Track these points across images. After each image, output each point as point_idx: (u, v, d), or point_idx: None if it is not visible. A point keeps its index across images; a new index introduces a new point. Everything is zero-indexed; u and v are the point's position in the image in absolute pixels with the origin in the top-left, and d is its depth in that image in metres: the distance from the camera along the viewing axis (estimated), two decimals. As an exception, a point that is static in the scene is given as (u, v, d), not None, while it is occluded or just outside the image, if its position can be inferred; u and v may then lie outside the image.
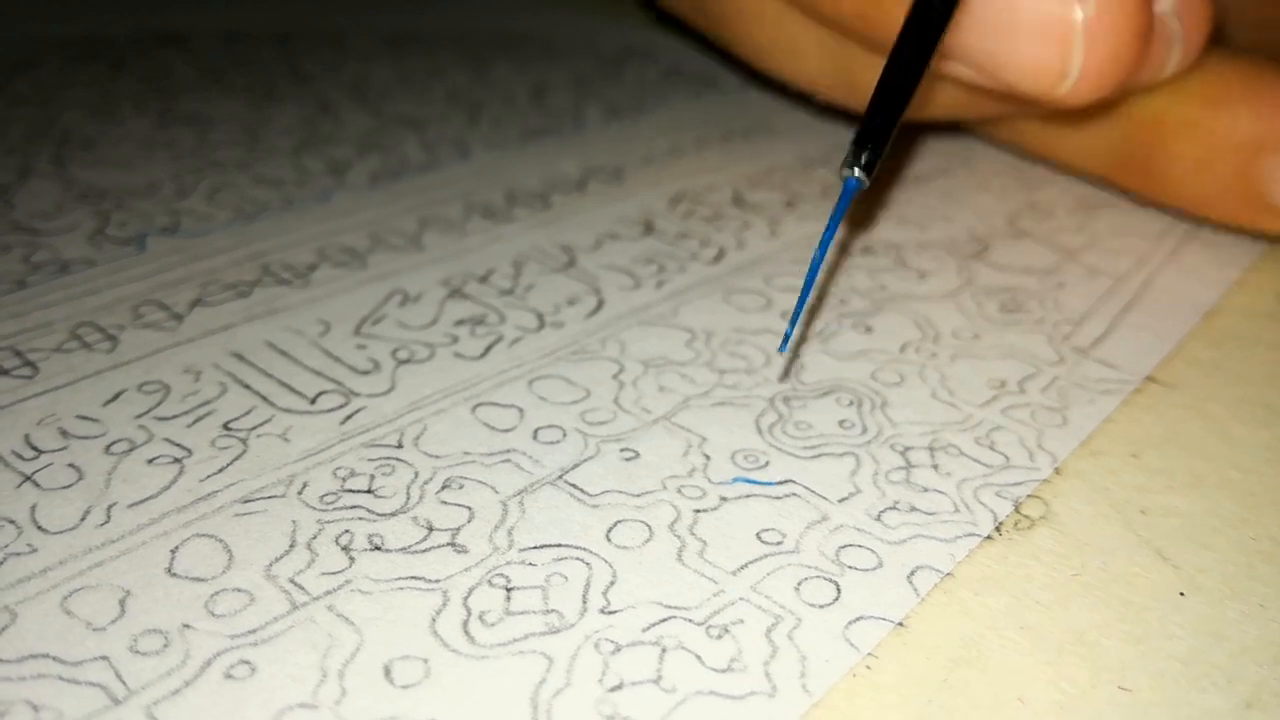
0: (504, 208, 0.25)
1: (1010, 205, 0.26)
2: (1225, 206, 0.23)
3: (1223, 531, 0.16)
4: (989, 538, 0.15)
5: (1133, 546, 0.15)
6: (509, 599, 0.14)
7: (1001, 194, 0.27)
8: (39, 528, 0.15)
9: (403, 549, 0.15)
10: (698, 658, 0.13)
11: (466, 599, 0.14)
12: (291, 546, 0.15)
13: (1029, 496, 0.16)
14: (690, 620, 0.14)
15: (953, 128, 0.29)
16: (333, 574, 0.14)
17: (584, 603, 0.14)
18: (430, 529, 0.15)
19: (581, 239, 0.24)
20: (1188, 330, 0.21)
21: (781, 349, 0.16)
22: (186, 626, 0.14)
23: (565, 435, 0.17)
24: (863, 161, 0.17)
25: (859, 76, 0.24)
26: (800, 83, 0.26)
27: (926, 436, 0.18)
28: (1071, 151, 0.26)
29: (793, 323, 0.17)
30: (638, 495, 0.16)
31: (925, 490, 0.16)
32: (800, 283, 0.22)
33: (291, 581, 0.14)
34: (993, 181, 0.27)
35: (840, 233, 0.24)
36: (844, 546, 0.15)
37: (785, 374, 0.17)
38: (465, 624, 0.14)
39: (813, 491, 0.16)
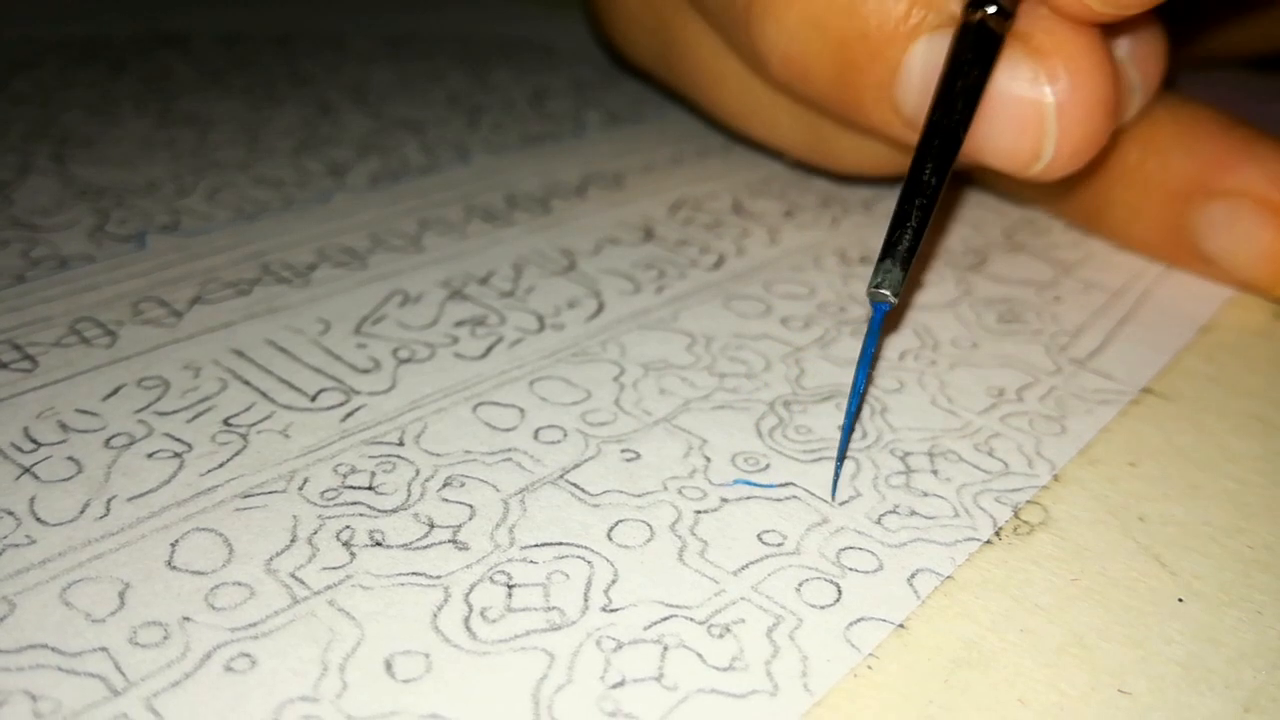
0: (504, 211, 0.25)
1: (1007, 220, 0.26)
2: (1162, 251, 0.24)
3: (1219, 540, 0.16)
4: (989, 542, 0.16)
5: (1131, 553, 0.15)
6: (510, 596, 0.14)
7: (998, 209, 0.27)
8: (38, 520, 0.15)
9: (404, 545, 0.15)
10: (699, 656, 0.13)
11: (468, 595, 0.14)
12: (292, 541, 0.15)
13: (1028, 502, 0.16)
14: (692, 619, 0.14)
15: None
16: (334, 569, 0.14)
17: (585, 600, 0.14)
18: (431, 526, 0.15)
19: (581, 243, 0.24)
20: (1183, 344, 0.21)
21: (833, 494, 0.16)
22: (186, 619, 0.14)
23: (566, 435, 0.17)
24: (894, 281, 0.16)
25: (829, 141, 0.24)
26: (771, 144, 0.26)
27: (926, 442, 0.18)
28: (1022, 191, 0.26)
29: (839, 462, 0.17)
30: (639, 495, 0.16)
31: (925, 495, 0.16)
32: (797, 288, 0.22)
33: (292, 576, 0.14)
34: (988, 195, 0.28)
35: (836, 239, 0.24)
36: (845, 549, 0.15)
37: (834, 494, 0.16)
38: (467, 620, 0.14)
39: (813, 494, 0.16)
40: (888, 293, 0.16)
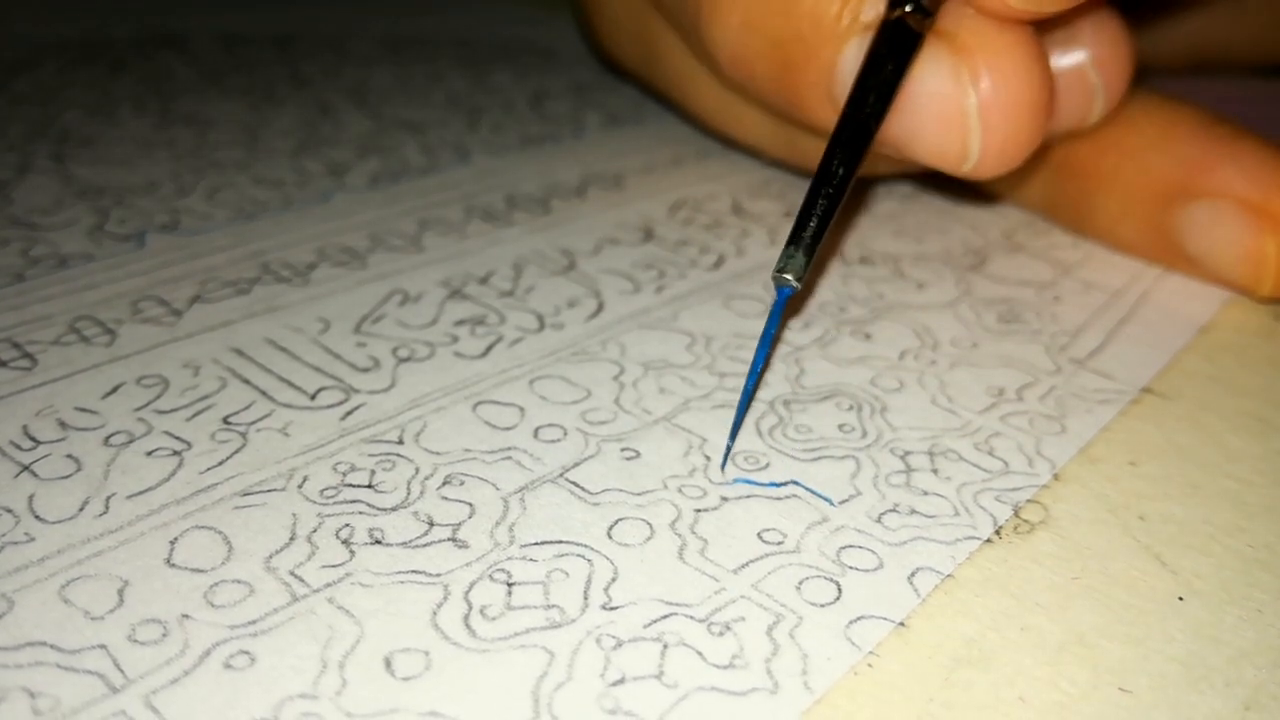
0: (504, 211, 0.25)
1: (1006, 220, 0.26)
2: (1149, 253, 0.24)
3: (1220, 539, 0.16)
4: (989, 541, 0.16)
5: (1132, 551, 0.15)
6: (510, 594, 0.14)
7: (997, 209, 0.27)
8: (37, 517, 0.15)
9: (403, 543, 0.15)
10: (699, 654, 0.13)
11: (467, 593, 0.14)
12: (291, 539, 0.15)
13: (1028, 501, 0.16)
14: (692, 617, 0.14)
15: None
16: (333, 567, 0.14)
17: (585, 598, 0.14)
18: (431, 524, 0.15)
19: (581, 244, 0.24)
20: (1183, 344, 0.21)
21: (723, 466, 0.17)
22: (185, 616, 0.14)
23: (566, 434, 0.17)
24: (797, 266, 0.17)
25: (797, 141, 0.25)
26: (746, 145, 0.27)
27: (926, 441, 0.18)
28: (1010, 194, 0.26)
29: (732, 436, 0.17)
30: (639, 494, 0.16)
31: (925, 494, 0.16)
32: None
33: (291, 574, 0.14)
34: (985, 201, 0.28)
35: (838, 242, 0.25)
36: (845, 547, 0.15)
37: (724, 466, 0.17)
38: (466, 617, 0.14)
39: (813, 493, 0.16)
40: (790, 277, 0.17)
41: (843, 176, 0.18)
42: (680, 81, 0.26)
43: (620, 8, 0.27)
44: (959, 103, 0.19)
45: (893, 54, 0.19)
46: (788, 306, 0.18)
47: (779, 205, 0.26)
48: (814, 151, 0.24)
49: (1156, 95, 0.23)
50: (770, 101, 0.22)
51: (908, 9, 0.19)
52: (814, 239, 0.17)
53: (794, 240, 0.17)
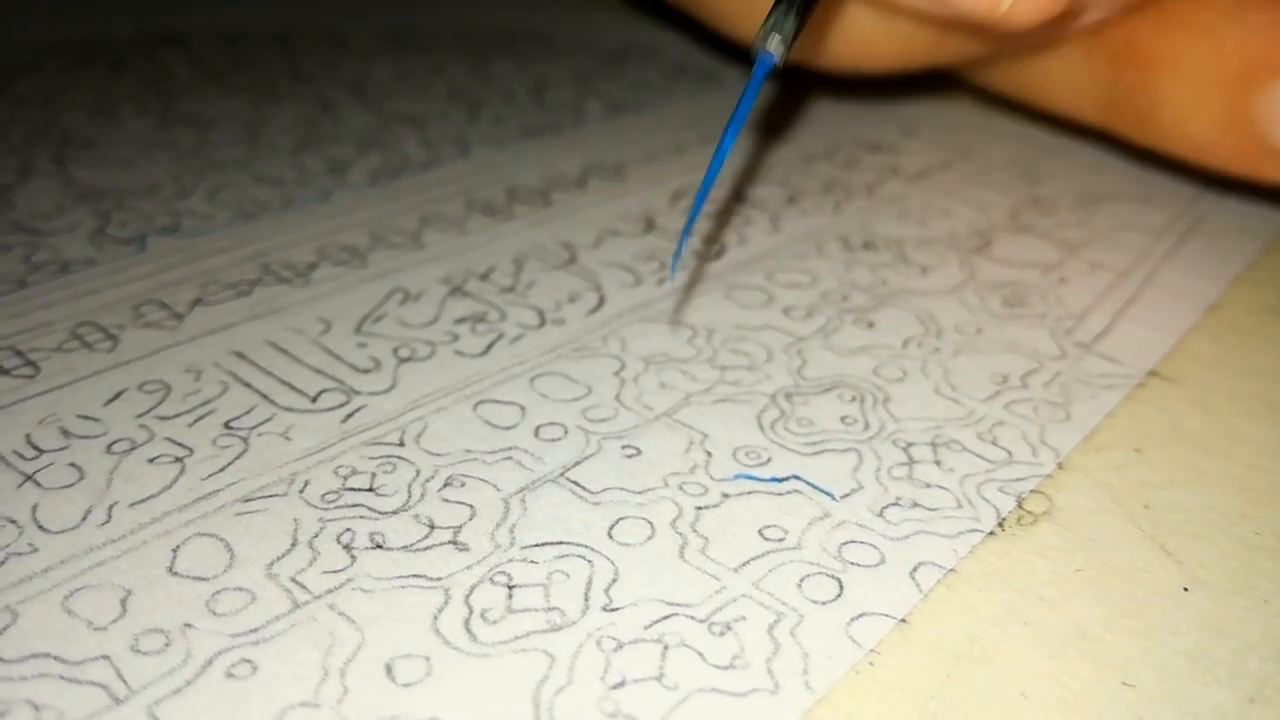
0: (504, 205, 0.25)
1: (1011, 200, 0.26)
2: (1226, 153, 0.21)
3: (1226, 527, 0.16)
4: (992, 533, 0.15)
5: (1136, 542, 0.15)
6: (511, 597, 0.14)
7: (1002, 188, 0.27)
8: (40, 527, 0.15)
9: (404, 547, 0.15)
10: (700, 655, 0.13)
11: (468, 597, 0.14)
12: (293, 545, 0.15)
13: (1032, 492, 0.16)
14: (692, 617, 0.14)
15: (951, 104, 0.29)
16: (334, 572, 0.14)
17: (586, 600, 0.14)
18: (432, 527, 0.15)
19: (582, 236, 0.24)
20: (1190, 325, 0.21)
21: (671, 275, 0.15)
22: (188, 625, 0.14)
23: (567, 432, 0.17)
24: (783, 31, 0.15)
25: (838, 29, 0.23)
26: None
27: (929, 432, 0.18)
28: (1061, 97, 0.24)
29: (685, 231, 0.15)
30: (639, 492, 0.16)
31: (928, 486, 0.16)
32: (799, 276, 0.22)
33: (293, 580, 0.14)
34: (993, 176, 0.27)
35: (839, 225, 0.24)
36: (846, 543, 0.15)
37: (673, 273, 0.15)
38: (467, 622, 0.14)
39: (815, 488, 0.16)
40: (777, 38, 0.15)
41: None
42: None
43: None
44: None
45: None
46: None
47: (781, 190, 0.26)
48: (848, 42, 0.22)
49: None
50: None
51: None
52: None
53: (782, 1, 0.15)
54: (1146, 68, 0.21)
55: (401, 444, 0.17)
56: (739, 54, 0.29)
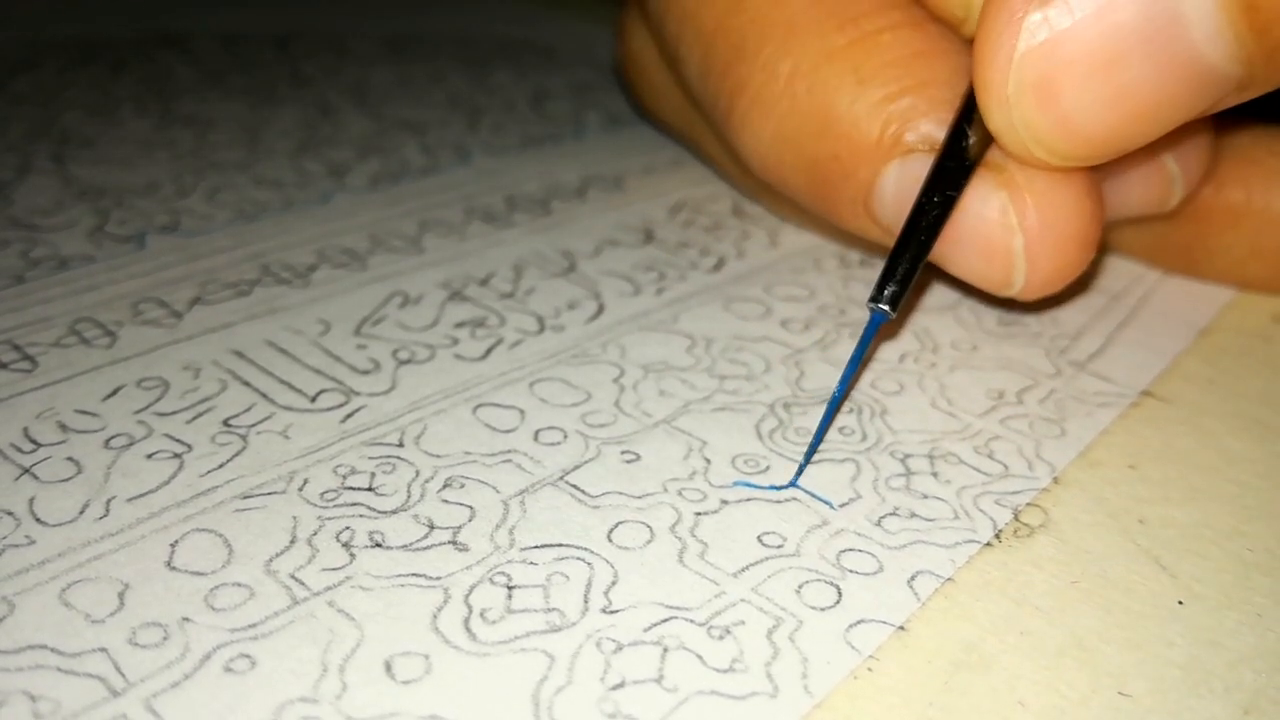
0: (504, 212, 0.25)
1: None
2: (1277, 285, 0.23)
3: (1219, 543, 0.16)
4: (989, 544, 0.16)
5: (1131, 555, 0.15)
6: (510, 597, 0.14)
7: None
8: (38, 520, 0.15)
9: (404, 546, 0.15)
10: (699, 658, 0.13)
11: (468, 596, 0.14)
12: (292, 542, 0.15)
13: (1028, 505, 0.16)
14: (692, 621, 0.14)
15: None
16: (333, 570, 0.14)
17: (585, 602, 0.14)
18: (431, 527, 0.15)
19: (582, 245, 0.24)
20: (1183, 347, 0.21)
21: (794, 483, 0.17)
22: (186, 620, 0.14)
23: (566, 437, 0.17)
24: (888, 295, 0.17)
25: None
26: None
27: (926, 444, 0.18)
28: (1111, 238, 0.25)
29: (808, 455, 0.17)
30: (639, 497, 0.16)
31: (925, 497, 0.16)
32: (797, 290, 0.22)
33: (292, 577, 0.14)
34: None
35: (839, 245, 0.25)
36: (845, 550, 0.15)
37: (795, 482, 0.17)
38: (466, 621, 0.14)
39: (814, 496, 0.16)
40: (884, 306, 0.17)
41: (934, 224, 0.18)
42: (721, 161, 0.26)
43: (662, 79, 0.26)
44: (1005, 241, 0.18)
45: (945, 183, 0.18)
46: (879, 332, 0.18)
47: (779, 207, 0.26)
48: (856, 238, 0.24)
49: (1253, 123, 0.22)
50: (804, 206, 0.22)
51: (969, 141, 0.18)
52: (908, 274, 0.17)
53: (890, 272, 0.17)
54: (1202, 222, 0.23)
55: (401, 445, 0.17)
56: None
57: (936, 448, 0.18)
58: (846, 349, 0.20)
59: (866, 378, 0.19)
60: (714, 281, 0.23)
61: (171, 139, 0.28)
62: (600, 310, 0.21)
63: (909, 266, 0.17)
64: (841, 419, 0.18)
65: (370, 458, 0.17)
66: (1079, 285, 0.23)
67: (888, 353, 0.20)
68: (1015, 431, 0.18)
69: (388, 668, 0.13)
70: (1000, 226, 0.18)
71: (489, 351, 0.20)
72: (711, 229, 0.25)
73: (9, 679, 0.13)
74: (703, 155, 0.27)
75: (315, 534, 0.15)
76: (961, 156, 0.18)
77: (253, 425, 0.17)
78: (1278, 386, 0.20)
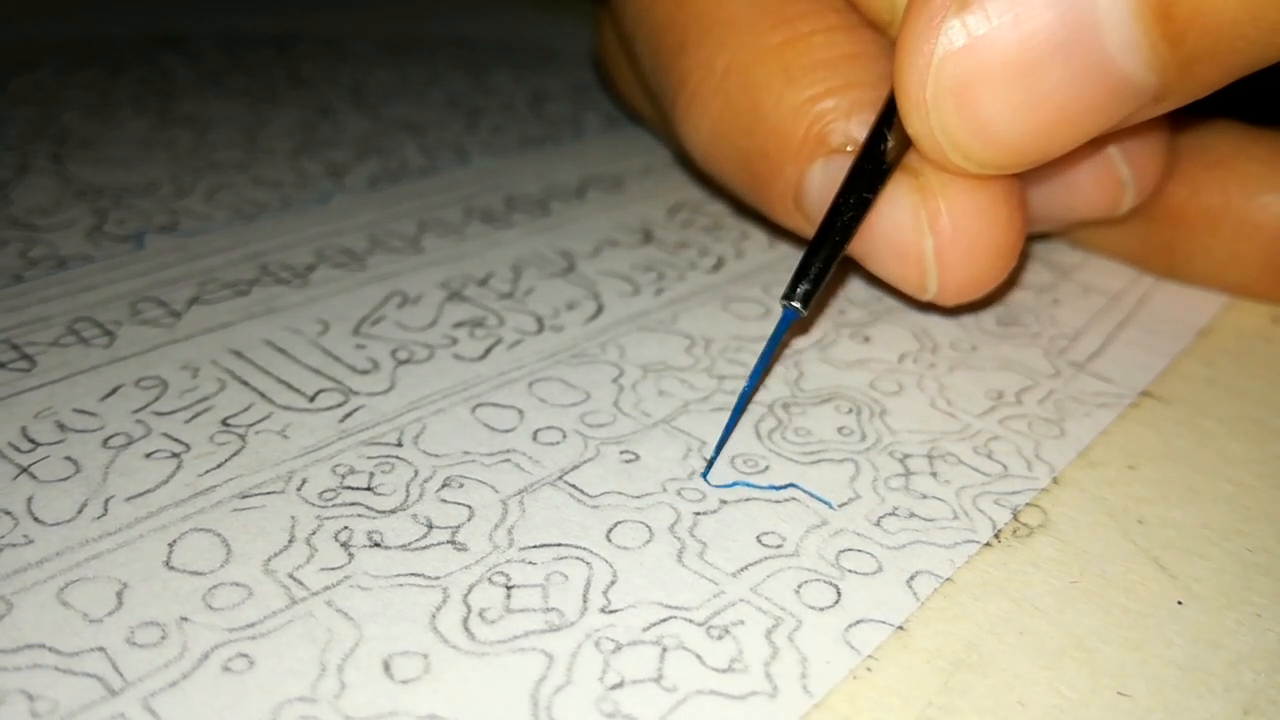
0: (503, 213, 0.25)
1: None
2: (1258, 289, 0.23)
3: (1218, 543, 0.16)
4: (988, 544, 0.16)
5: (1130, 555, 0.15)
6: (509, 597, 0.14)
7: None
8: (36, 519, 0.15)
9: (402, 546, 0.15)
10: (698, 657, 0.13)
11: (466, 596, 0.14)
12: (290, 542, 0.15)
13: (1027, 505, 0.16)
14: (691, 620, 0.14)
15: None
16: (332, 569, 0.14)
17: (584, 601, 0.14)
18: (430, 527, 0.15)
19: (581, 245, 0.24)
20: (1182, 347, 0.21)
21: (704, 475, 0.17)
22: (184, 619, 0.13)
23: (565, 437, 0.17)
24: (800, 294, 0.17)
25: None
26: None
27: (925, 445, 0.18)
28: (1094, 241, 0.25)
29: (717, 449, 0.17)
30: (638, 497, 0.16)
31: (924, 497, 0.16)
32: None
33: (290, 576, 0.14)
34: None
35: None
36: (844, 550, 0.15)
37: (705, 474, 0.17)
38: (465, 620, 0.14)
39: (813, 496, 0.16)
40: (795, 303, 0.17)
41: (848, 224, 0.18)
42: (683, 153, 0.26)
43: (631, 74, 0.27)
44: (916, 244, 0.18)
45: (861, 185, 0.18)
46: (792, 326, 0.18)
47: (778, 207, 0.26)
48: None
49: (1228, 124, 0.22)
50: (743, 200, 0.22)
51: (888, 144, 0.18)
52: (821, 272, 0.18)
53: (803, 271, 0.18)
54: (1181, 225, 0.22)
55: (400, 444, 0.17)
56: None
57: (936, 448, 0.18)
58: (846, 349, 0.20)
59: (865, 378, 0.19)
60: (713, 282, 0.23)
61: (170, 139, 0.28)
62: (599, 310, 0.21)
63: (822, 266, 0.18)
64: (841, 419, 0.18)
65: (369, 457, 0.17)
66: (1005, 289, 0.23)
67: (887, 353, 0.20)
68: (1014, 432, 0.18)
69: (386, 667, 0.13)
70: (912, 230, 0.18)
71: (488, 351, 0.20)
72: (710, 229, 0.25)
73: (7, 678, 0.13)
74: (673, 148, 0.28)
75: (314, 533, 0.15)
76: (880, 159, 0.18)
77: (251, 425, 0.17)
78: (1277, 387, 0.20)
